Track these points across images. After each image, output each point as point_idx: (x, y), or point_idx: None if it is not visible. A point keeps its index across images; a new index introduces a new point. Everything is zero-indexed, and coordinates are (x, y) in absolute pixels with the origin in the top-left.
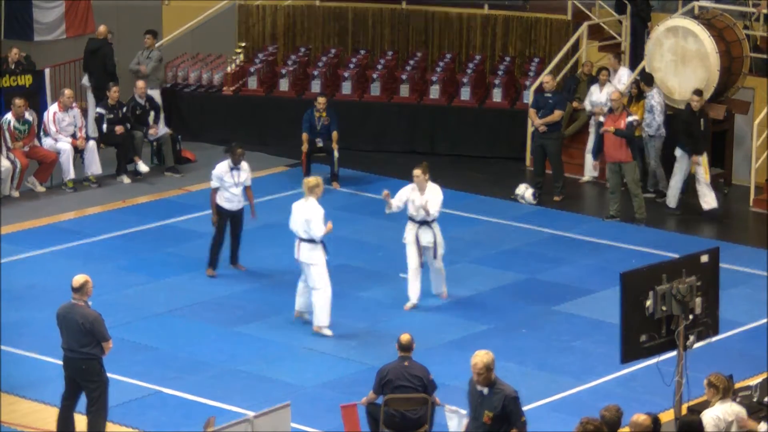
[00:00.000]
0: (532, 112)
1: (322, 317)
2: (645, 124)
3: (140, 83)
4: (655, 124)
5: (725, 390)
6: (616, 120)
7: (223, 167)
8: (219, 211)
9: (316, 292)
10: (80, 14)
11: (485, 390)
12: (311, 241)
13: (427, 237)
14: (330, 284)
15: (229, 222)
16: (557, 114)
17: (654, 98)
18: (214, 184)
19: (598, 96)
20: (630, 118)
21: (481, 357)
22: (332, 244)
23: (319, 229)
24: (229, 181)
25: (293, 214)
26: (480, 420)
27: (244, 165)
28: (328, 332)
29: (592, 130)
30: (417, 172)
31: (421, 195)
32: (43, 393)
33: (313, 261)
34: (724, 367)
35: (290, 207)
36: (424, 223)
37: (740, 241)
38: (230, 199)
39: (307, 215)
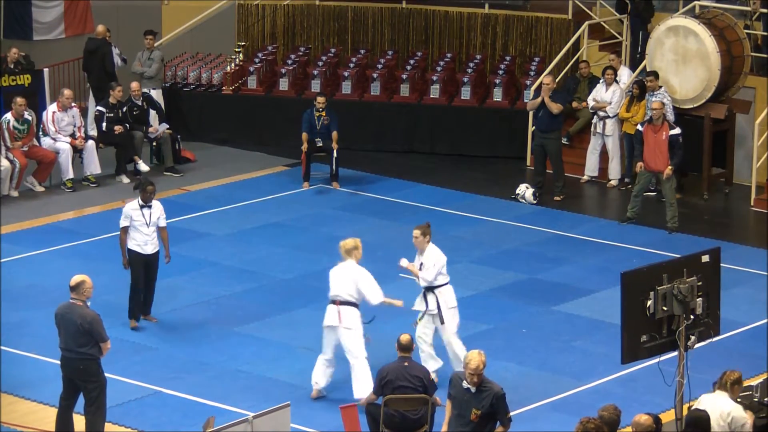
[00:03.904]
0: (530, 104)
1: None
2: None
3: (134, 84)
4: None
5: (718, 381)
6: (656, 131)
7: (132, 204)
8: (131, 255)
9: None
10: (79, 14)
11: (473, 388)
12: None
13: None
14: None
15: (142, 269)
16: (555, 106)
17: (665, 96)
18: (123, 222)
19: (602, 95)
20: (673, 132)
21: (480, 358)
22: (334, 244)
23: (377, 296)
24: (140, 219)
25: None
26: (467, 417)
27: (156, 203)
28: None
29: (593, 130)
30: (416, 232)
31: (419, 258)
32: (42, 393)
33: (353, 325)
34: (725, 367)
35: (289, 206)
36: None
37: (741, 241)
38: (142, 242)
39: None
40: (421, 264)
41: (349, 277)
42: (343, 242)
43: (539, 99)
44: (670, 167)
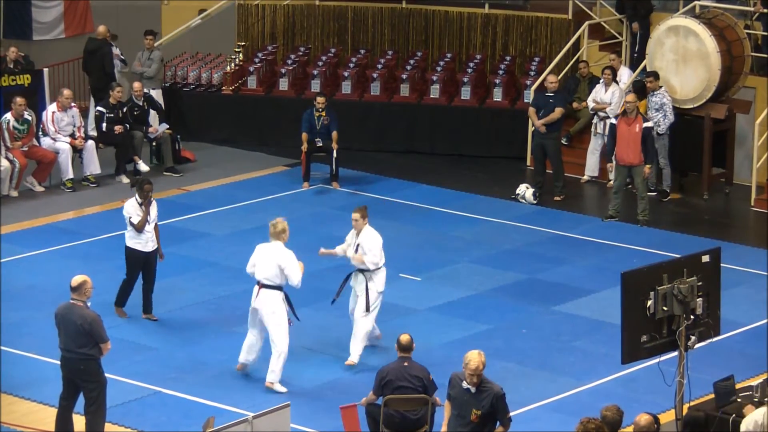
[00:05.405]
0: (531, 111)
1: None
2: (653, 123)
3: (137, 84)
4: (668, 122)
5: None
6: (630, 123)
7: (132, 203)
8: (131, 254)
9: (275, 346)
10: (79, 14)
11: (472, 388)
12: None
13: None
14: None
15: (142, 267)
16: (558, 111)
17: (665, 96)
18: (134, 219)
19: (602, 95)
20: (646, 124)
21: (480, 358)
22: (333, 244)
23: (295, 276)
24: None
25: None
26: (467, 418)
27: (152, 201)
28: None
29: (594, 130)
30: (356, 215)
31: (355, 239)
32: (41, 393)
33: (275, 309)
34: (725, 367)
35: (289, 206)
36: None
37: (741, 241)
38: (143, 240)
39: (280, 261)
40: (358, 245)
41: (273, 261)
42: (274, 223)
43: (541, 125)
44: (648, 166)
